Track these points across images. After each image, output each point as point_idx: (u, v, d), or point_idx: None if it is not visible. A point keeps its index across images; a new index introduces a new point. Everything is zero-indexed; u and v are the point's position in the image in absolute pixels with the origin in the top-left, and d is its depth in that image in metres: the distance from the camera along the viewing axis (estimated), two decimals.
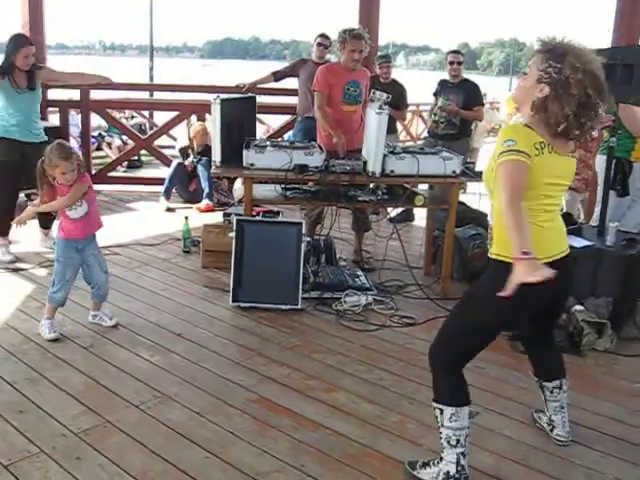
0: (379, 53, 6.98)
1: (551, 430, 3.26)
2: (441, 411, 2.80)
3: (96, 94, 8.64)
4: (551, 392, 3.20)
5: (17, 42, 5.47)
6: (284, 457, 3.04)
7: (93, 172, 8.25)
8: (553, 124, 2.56)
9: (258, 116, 6.82)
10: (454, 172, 4.97)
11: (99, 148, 12.40)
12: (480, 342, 2.86)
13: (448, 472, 2.80)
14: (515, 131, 2.59)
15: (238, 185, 7.71)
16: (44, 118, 7.90)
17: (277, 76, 7.71)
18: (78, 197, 4.12)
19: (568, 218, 5.67)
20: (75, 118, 9.84)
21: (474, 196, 7.53)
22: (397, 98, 7.06)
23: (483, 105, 7.69)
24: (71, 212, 4.13)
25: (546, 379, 3.20)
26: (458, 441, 2.78)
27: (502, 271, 2.50)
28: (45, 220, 5.84)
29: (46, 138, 5.60)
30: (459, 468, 2.79)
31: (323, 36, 7.32)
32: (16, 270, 5.33)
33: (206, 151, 7.61)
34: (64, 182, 4.06)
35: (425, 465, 2.93)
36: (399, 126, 10.43)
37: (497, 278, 2.51)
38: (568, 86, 2.50)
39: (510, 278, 2.35)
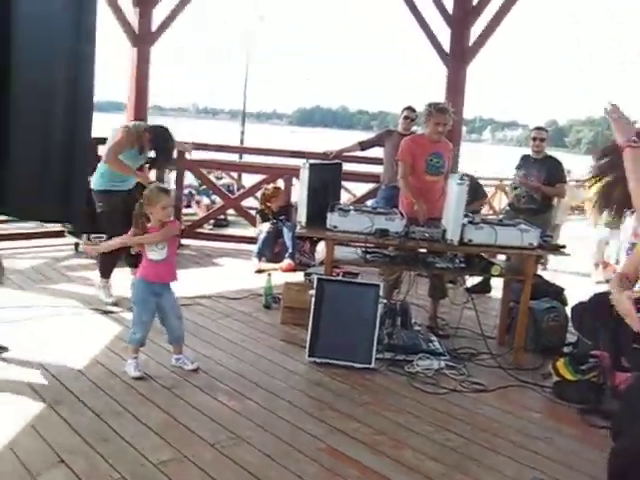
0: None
1: None
2: None
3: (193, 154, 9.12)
4: None
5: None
6: None
7: (182, 227, 8.68)
8: None
9: (343, 184, 7.09)
10: (531, 244, 5.07)
11: (188, 206, 12.94)
12: None
13: None
14: None
15: (321, 247, 7.96)
16: None
17: (363, 145, 8.01)
18: (168, 236, 4.44)
19: None
20: (167, 176, 10.36)
21: (551, 272, 7.53)
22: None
23: (565, 182, 7.75)
24: (152, 253, 4.42)
25: None
26: None
27: None
28: (132, 259, 6.12)
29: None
30: None
31: (409, 109, 7.61)
32: (107, 312, 5.66)
33: (284, 211, 8.18)
34: (163, 218, 4.37)
35: None
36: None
37: None
38: None
39: None
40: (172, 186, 9.39)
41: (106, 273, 5.97)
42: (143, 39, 8.62)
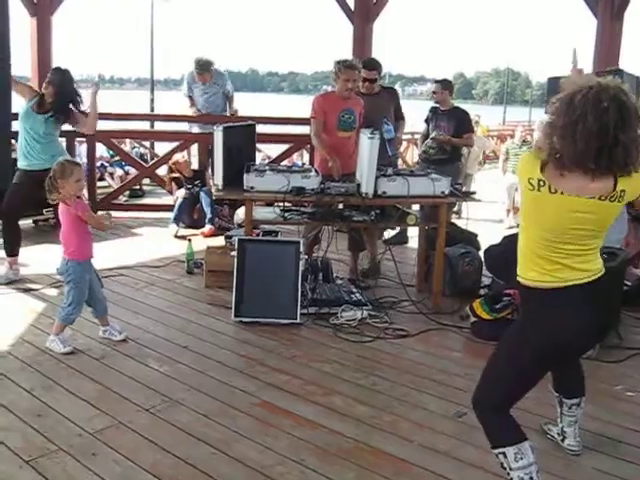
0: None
1: (562, 440, 3.40)
2: (504, 455, 2.79)
3: (101, 125, 8.95)
4: (569, 408, 3.33)
5: None
6: (285, 452, 3.29)
7: (98, 200, 8.59)
8: None
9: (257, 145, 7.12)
10: (443, 192, 5.26)
11: (101, 178, 12.69)
12: (525, 385, 2.87)
13: None
14: None
15: (241, 211, 8.06)
16: None
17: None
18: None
19: None
20: (78, 149, 10.15)
21: (465, 221, 7.75)
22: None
23: (473, 132, 8.02)
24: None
25: (566, 396, 3.32)
26: (532, 479, 2.75)
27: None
28: (13, 245, 5.93)
29: None
30: None
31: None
32: (28, 290, 5.59)
33: (198, 176, 8.37)
34: (77, 192, 4.35)
35: None
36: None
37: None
38: None
39: None
40: (83, 159, 9.23)
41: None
42: (42, 8, 8.33)
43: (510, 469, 2.78)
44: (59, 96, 5.76)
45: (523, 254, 2.81)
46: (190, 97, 8.74)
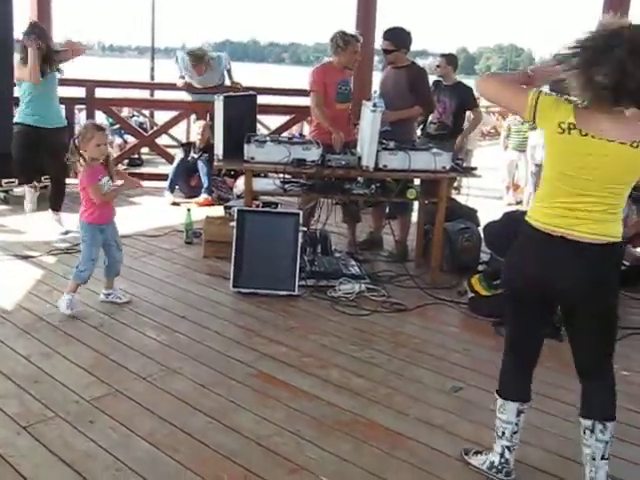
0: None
1: None
2: (496, 400, 2.97)
3: (100, 92, 8.90)
4: (583, 432, 2.84)
5: None
6: (281, 423, 3.30)
7: None
8: None
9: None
10: (444, 167, 5.24)
11: None
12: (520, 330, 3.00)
13: (493, 462, 2.95)
14: None
15: (240, 182, 8.02)
16: None
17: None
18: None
19: None
20: (77, 116, 10.08)
21: (465, 197, 7.74)
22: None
23: (477, 106, 7.97)
24: (105, 188, 4.46)
25: (581, 413, 2.88)
26: (503, 433, 2.91)
27: None
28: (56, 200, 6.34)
29: None
30: (502, 460, 2.93)
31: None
32: (26, 257, 5.58)
33: (207, 148, 7.96)
34: (98, 155, 4.35)
35: (477, 453, 3.08)
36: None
37: None
38: None
39: None
40: None
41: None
42: None
43: (497, 414, 2.96)
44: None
45: (542, 194, 2.75)
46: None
